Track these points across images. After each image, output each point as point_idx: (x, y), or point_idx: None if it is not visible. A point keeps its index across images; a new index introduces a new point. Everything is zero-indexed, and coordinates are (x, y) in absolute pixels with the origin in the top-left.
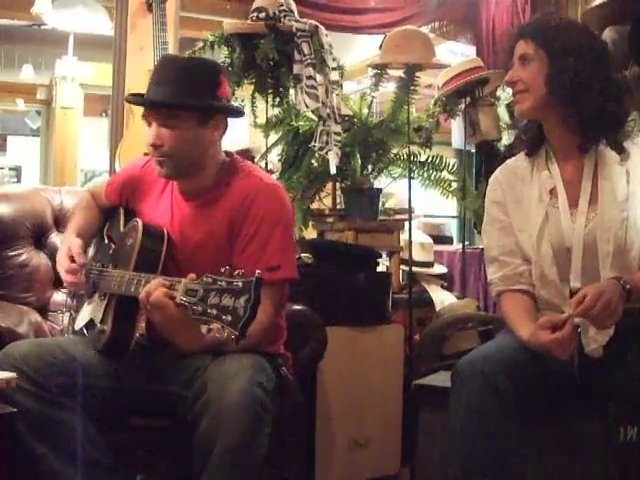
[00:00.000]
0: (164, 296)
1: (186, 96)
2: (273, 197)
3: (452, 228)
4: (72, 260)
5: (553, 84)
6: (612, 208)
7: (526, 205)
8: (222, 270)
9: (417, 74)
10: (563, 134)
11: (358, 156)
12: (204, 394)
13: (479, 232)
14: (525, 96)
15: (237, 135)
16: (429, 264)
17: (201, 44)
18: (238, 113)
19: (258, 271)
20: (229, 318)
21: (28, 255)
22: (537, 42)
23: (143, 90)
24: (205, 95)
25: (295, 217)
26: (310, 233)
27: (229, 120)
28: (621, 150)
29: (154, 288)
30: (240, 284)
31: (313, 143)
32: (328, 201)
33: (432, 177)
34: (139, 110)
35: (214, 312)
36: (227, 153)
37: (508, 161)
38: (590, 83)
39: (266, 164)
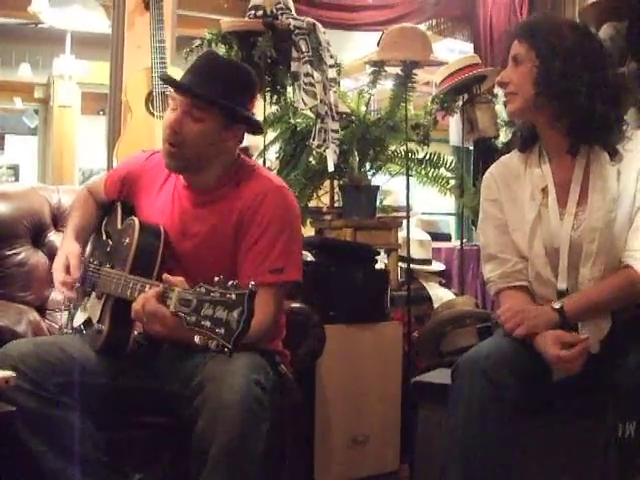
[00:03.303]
0: (158, 307)
1: (223, 96)
2: (281, 199)
3: (450, 225)
4: (68, 271)
5: (540, 86)
6: (600, 209)
7: (520, 203)
8: (216, 279)
9: (414, 71)
10: (553, 136)
11: (356, 153)
12: (201, 392)
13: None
14: (514, 97)
15: None
16: (427, 261)
17: (198, 42)
18: (260, 130)
19: (252, 283)
20: (222, 331)
21: (26, 254)
22: (529, 43)
23: (140, 89)
24: (239, 102)
25: (302, 219)
26: (308, 231)
27: None
28: (614, 152)
29: (148, 300)
30: (234, 296)
31: (311, 141)
32: (326, 199)
33: (430, 174)
34: (137, 108)
35: (207, 324)
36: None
37: (502, 158)
38: (577, 86)
39: (264, 162)
